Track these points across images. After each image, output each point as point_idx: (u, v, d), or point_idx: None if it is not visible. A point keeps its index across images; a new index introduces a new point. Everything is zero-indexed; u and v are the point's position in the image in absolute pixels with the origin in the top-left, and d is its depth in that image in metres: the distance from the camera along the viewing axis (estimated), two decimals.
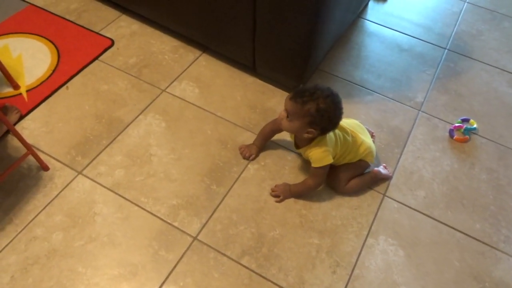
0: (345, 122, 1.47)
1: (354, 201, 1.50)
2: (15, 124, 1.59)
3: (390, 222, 1.46)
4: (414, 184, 1.56)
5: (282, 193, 1.47)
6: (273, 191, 1.49)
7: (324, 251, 1.38)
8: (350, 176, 1.49)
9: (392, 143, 1.67)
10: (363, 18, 2.17)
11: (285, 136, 1.60)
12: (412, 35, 2.10)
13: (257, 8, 1.51)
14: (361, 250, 1.39)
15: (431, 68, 1.96)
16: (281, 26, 1.52)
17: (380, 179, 1.55)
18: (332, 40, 1.86)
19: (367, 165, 1.51)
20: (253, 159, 1.57)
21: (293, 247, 1.38)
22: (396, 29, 2.13)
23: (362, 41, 2.06)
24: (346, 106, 1.76)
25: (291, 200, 1.48)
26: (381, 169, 1.55)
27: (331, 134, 1.39)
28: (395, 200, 1.51)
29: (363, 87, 1.86)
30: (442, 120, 1.76)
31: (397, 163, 1.61)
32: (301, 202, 1.48)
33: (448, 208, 1.50)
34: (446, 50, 2.05)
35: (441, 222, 1.46)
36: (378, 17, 2.18)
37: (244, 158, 1.57)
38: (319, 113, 1.27)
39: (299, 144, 1.45)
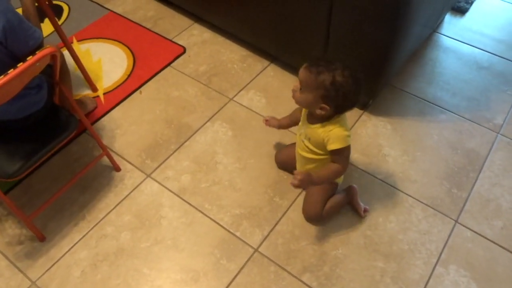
0: None
1: (423, 225, 1.42)
2: (89, 113, 1.71)
3: (462, 251, 1.37)
4: (491, 213, 1.45)
5: (302, 184, 1.23)
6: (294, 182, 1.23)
7: (389, 276, 1.32)
8: (325, 198, 1.38)
9: (467, 167, 1.57)
10: (438, 33, 2.07)
11: None
12: (492, 52, 1.98)
13: (332, 21, 1.49)
14: (429, 279, 1.31)
15: None
16: (355, 41, 1.49)
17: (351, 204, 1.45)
18: (406, 56, 1.79)
19: (335, 185, 1.41)
20: (268, 126, 1.50)
21: (356, 268, 1.34)
22: (475, 45, 2.01)
23: (436, 57, 1.96)
24: (418, 124, 1.73)
25: (356, 219, 1.44)
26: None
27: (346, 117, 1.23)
28: (468, 228, 1.42)
29: (436, 105, 1.77)
30: None
31: (472, 188, 1.51)
32: (366, 222, 1.43)
33: None
34: None
35: None
36: (455, 32, 2.07)
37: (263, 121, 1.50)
38: (334, 87, 1.12)
39: (311, 121, 1.27)
